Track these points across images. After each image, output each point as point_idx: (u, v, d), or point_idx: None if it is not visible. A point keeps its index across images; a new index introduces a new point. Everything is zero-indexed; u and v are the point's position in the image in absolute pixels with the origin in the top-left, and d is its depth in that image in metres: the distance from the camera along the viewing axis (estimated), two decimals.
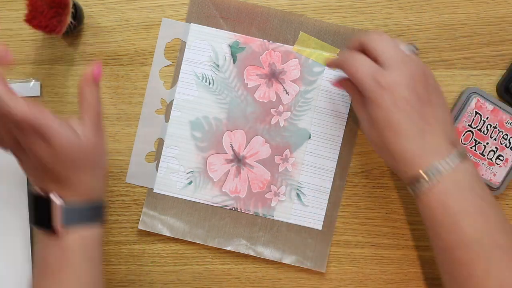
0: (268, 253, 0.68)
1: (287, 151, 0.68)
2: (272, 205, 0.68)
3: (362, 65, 0.59)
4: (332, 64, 0.65)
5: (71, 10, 0.63)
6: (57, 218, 0.55)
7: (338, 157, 0.68)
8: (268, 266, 0.69)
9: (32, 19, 0.61)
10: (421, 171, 0.56)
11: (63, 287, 0.55)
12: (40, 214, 0.56)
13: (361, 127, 0.62)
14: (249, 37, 0.68)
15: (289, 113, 0.68)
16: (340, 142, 0.68)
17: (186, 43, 0.68)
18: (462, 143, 0.66)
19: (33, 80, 0.68)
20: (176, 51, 0.68)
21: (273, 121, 0.68)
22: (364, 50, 0.60)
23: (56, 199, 0.55)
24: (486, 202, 0.56)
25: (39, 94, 0.68)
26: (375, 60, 0.59)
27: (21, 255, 0.68)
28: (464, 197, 0.56)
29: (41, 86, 0.68)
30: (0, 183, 0.68)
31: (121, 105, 0.69)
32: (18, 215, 0.68)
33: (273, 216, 0.68)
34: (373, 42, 0.59)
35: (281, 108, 0.68)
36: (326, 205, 0.68)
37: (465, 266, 0.56)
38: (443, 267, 0.59)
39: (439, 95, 0.59)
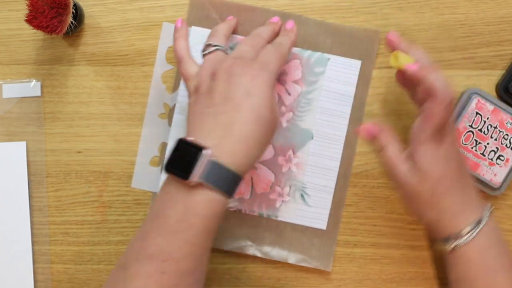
0: (274, 253, 0.68)
1: (290, 152, 0.68)
2: (276, 206, 0.68)
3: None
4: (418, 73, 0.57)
5: (71, 10, 0.63)
6: (199, 169, 0.51)
7: (341, 156, 0.68)
8: (268, 265, 0.69)
9: (33, 19, 0.61)
10: (464, 226, 0.57)
11: (173, 245, 0.52)
12: (182, 159, 0.52)
13: (403, 180, 0.58)
14: None
15: (292, 113, 0.68)
16: (343, 142, 0.68)
17: None
18: (463, 144, 0.66)
19: (34, 80, 0.68)
20: None
21: None
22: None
23: (206, 152, 0.52)
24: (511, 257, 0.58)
25: (39, 94, 0.68)
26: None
27: (22, 254, 0.68)
28: (499, 252, 0.57)
29: (41, 86, 0.68)
30: (0, 183, 0.68)
31: (121, 105, 0.69)
32: (19, 214, 0.68)
33: (277, 217, 0.68)
34: (440, 103, 0.56)
35: (283, 109, 0.68)
36: (330, 205, 0.68)
37: None
38: None
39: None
